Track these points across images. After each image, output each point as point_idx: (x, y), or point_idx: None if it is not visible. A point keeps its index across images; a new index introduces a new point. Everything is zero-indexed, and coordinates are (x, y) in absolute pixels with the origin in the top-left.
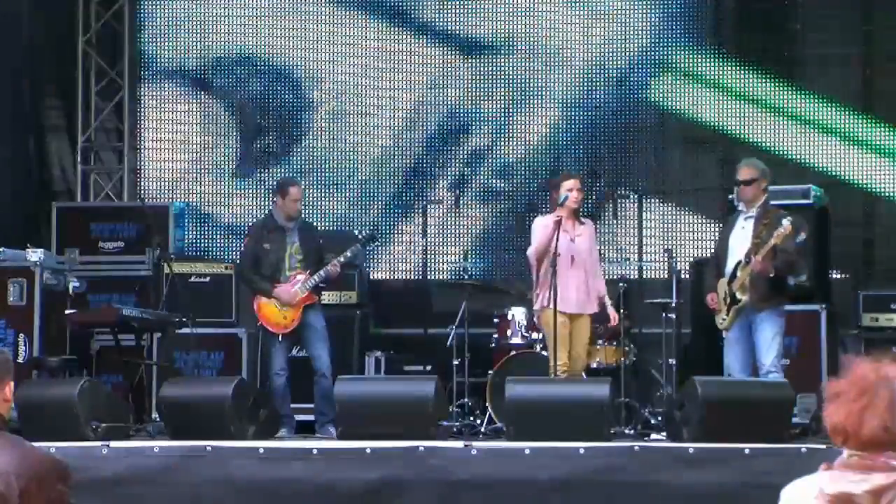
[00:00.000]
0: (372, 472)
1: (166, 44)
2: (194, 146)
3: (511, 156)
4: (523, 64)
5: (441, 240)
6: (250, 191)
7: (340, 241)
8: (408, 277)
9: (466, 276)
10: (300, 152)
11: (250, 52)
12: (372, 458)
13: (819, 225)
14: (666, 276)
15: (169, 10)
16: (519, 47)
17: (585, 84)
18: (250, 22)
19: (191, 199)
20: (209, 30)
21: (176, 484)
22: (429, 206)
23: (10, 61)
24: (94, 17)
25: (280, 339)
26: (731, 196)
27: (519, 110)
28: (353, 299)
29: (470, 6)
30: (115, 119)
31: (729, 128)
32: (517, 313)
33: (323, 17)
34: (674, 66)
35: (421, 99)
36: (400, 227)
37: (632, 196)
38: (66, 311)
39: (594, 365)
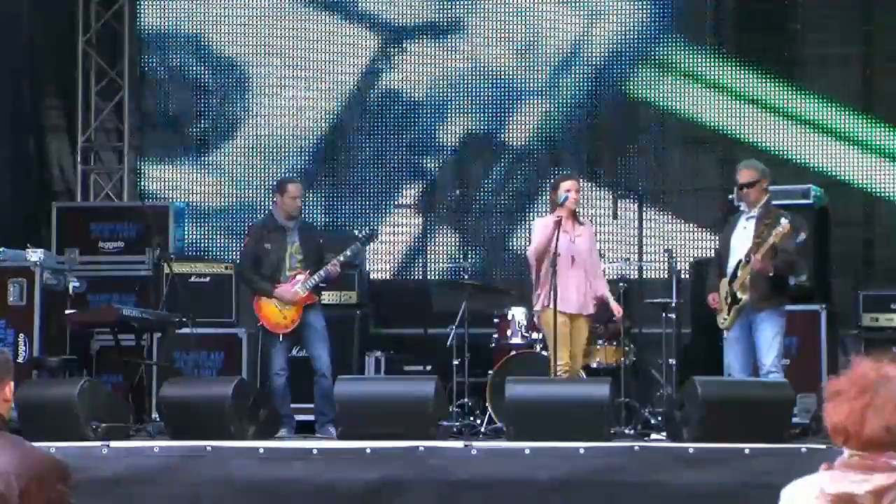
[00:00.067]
0: (372, 472)
1: (166, 44)
2: (194, 145)
3: (511, 155)
4: (523, 64)
5: (441, 240)
6: (250, 190)
7: (340, 240)
8: (408, 277)
9: (466, 276)
10: (300, 152)
11: (249, 51)
12: (372, 458)
13: (819, 225)
14: (666, 276)
15: (169, 10)
16: (519, 47)
17: (585, 84)
18: (250, 22)
19: (191, 200)
20: (209, 30)
21: (176, 484)
22: (429, 207)
23: (10, 61)
24: (94, 17)
25: (280, 339)
26: (731, 196)
27: (519, 110)
28: (353, 299)
29: (470, 6)
30: (115, 119)
31: (729, 128)
32: (517, 313)
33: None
34: (674, 66)
35: (421, 99)
36: (400, 228)
37: (632, 196)
38: (66, 311)
39: (594, 365)
